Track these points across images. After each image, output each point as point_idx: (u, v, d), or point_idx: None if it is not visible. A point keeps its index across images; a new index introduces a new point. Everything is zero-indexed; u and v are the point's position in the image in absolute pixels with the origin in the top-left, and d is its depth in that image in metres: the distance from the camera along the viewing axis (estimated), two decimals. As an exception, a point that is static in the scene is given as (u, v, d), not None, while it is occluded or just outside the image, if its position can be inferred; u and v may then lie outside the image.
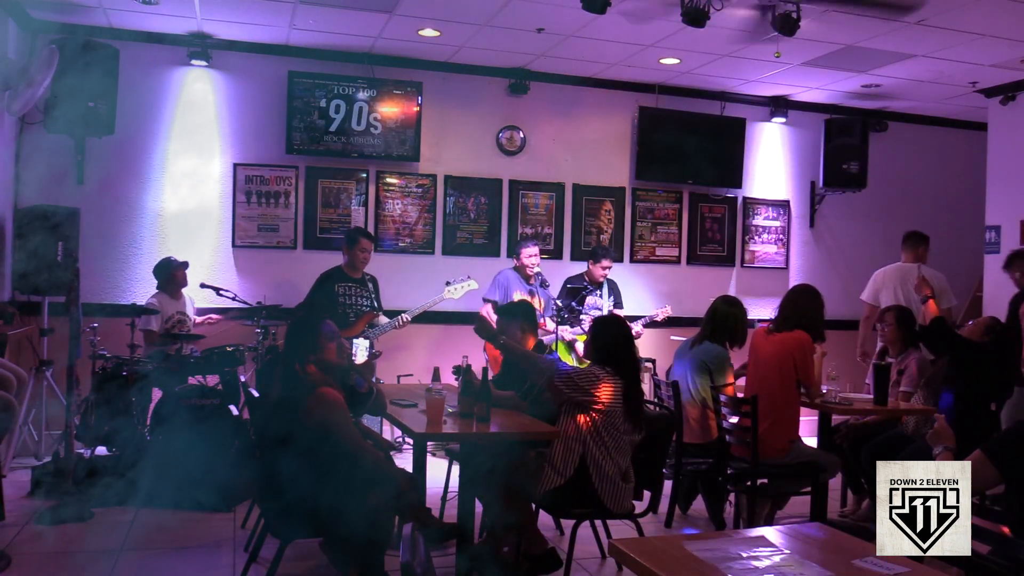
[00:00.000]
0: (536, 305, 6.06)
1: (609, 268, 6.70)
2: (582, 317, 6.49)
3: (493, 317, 6.33)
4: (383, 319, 6.10)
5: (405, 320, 6.15)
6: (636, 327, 6.62)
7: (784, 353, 4.67)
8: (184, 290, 6.16)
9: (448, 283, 6.22)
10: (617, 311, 6.66)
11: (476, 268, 6.87)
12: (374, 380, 4.24)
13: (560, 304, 6.29)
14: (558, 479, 3.84)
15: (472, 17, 5.98)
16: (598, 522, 4.43)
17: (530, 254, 6.42)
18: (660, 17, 5.71)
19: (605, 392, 3.77)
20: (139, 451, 5.23)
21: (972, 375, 4.82)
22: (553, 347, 5.74)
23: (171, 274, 6.02)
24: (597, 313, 6.57)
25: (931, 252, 6.75)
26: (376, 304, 6.06)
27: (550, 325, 6.16)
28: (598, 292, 6.70)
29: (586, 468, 3.80)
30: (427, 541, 3.82)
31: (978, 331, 5.00)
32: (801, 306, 4.81)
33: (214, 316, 6.30)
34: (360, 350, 5.38)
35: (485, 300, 6.48)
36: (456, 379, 4.45)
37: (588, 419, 3.80)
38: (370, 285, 6.10)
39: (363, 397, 3.99)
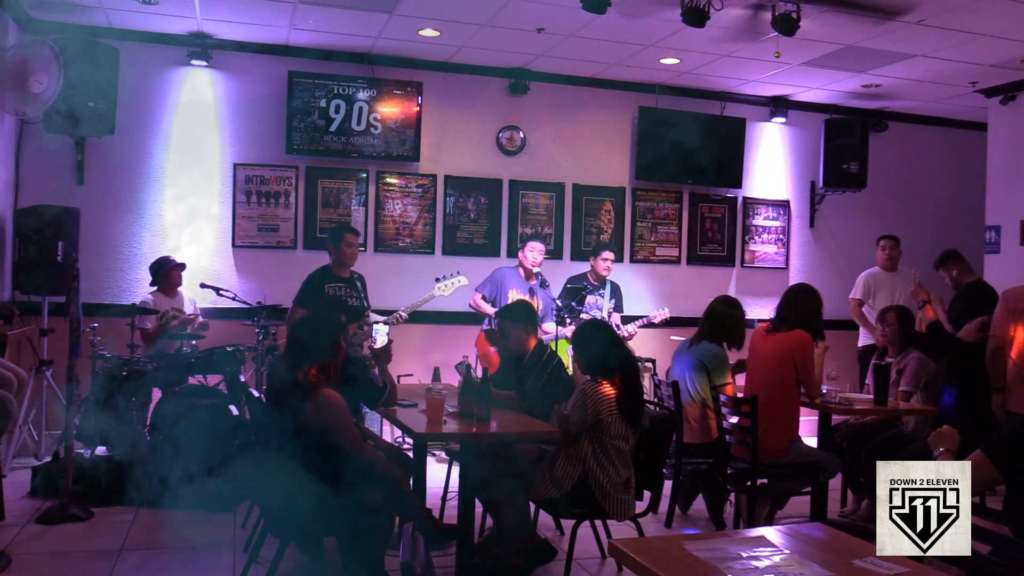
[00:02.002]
0: (534, 305, 6.05)
1: (610, 260, 6.65)
2: (583, 317, 6.49)
3: (483, 307, 6.34)
4: (374, 317, 6.08)
5: (402, 318, 6.14)
6: (632, 328, 6.62)
7: (784, 353, 4.67)
8: (184, 289, 6.16)
9: (438, 279, 6.18)
10: (616, 314, 6.65)
11: (476, 268, 6.87)
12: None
13: (560, 304, 6.28)
14: (555, 491, 3.83)
15: (472, 17, 5.98)
16: (598, 522, 4.43)
17: (531, 249, 6.41)
18: (660, 17, 5.71)
19: (602, 406, 3.74)
20: (139, 451, 5.22)
21: (970, 376, 4.83)
22: (553, 346, 5.74)
23: (166, 274, 6.01)
24: (597, 313, 6.57)
25: (932, 253, 6.77)
26: (366, 303, 6.04)
27: (549, 327, 6.15)
28: (600, 292, 6.68)
29: (586, 484, 3.79)
30: (427, 541, 3.83)
31: (972, 331, 5.00)
32: (800, 306, 4.81)
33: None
34: (380, 334, 5.37)
35: (477, 291, 6.48)
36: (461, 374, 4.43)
37: (589, 438, 3.78)
38: (358, 284, 5.99)
39: (379, 391, 3.99)
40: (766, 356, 4.76)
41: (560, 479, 3.82)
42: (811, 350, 4.70)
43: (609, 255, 6.66)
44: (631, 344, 6.76)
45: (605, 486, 3.76)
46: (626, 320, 6.74)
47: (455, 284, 6.20)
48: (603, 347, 3.89)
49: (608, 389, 3.76)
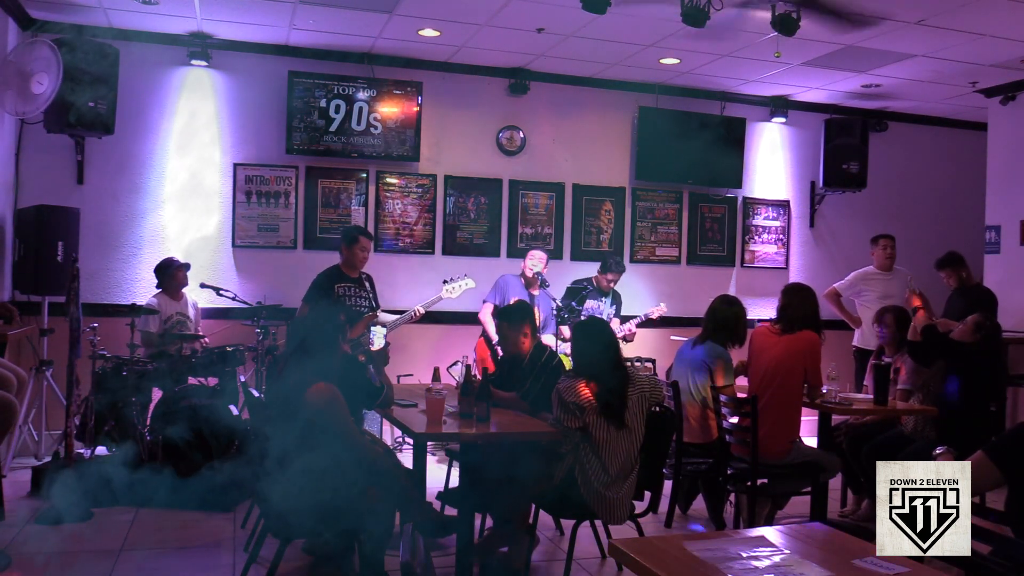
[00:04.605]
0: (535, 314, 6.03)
1: (614, 279, 6.67)
2: (583, 319, 6.48)
3: (489, 321, 6.31)
4: (385, 316, 6.09)
5: (419, 312, 6.14)
6: (630, 326, 6.63)
7: (795, 354, 4.66)
8: (186, 291, 6.16)
9: (445, 282, 6.20)
10: (615, 320, 6.64)
11: (476, 268, 6.87)
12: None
13: (560, 304, 6.28)
14: (546, 483, 3.86)
15: (472, 17, 5.98)
16: (598, 522, 4.42)
17: (531, 258, 6.40)
18: (660, 17, 5.71)
19: (581, 398, 3.75)
20: (139, 451, 5.23)
21: (968, 376, 4.82)
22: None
23: (171, 275, 6.02)
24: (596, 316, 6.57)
25: (932, 253, 6.79)
26: (374, 303, 6.05)
27: (548, 339, 6.13)
28: (601, 299, 6.66)
29: (574, 479, 3.80)
30: (427, 536, 3.84)
31: (968, 331, 5.01)
32: (806, 306, 4.81)
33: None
34: (377, 337, 5.39)
35: (485, 302, 6.48)
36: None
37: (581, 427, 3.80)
38: (367, 284, 6.03)
39: (376, 391, 4.00)
40: (775, 357, 4.72)
41: (552, 472, 3.83)
42: (819, 350, 4.71)
43: (614, 277, 6.65)
44: (631, 345, 6.80)
45: (592, 482, 3.75)
46: (624, 319, 6.75)
47: (462, 287, 6.21)
48: (593, 353, 3.92)
49: (583, 385, 3.78)
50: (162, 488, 4.86)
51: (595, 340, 3.97)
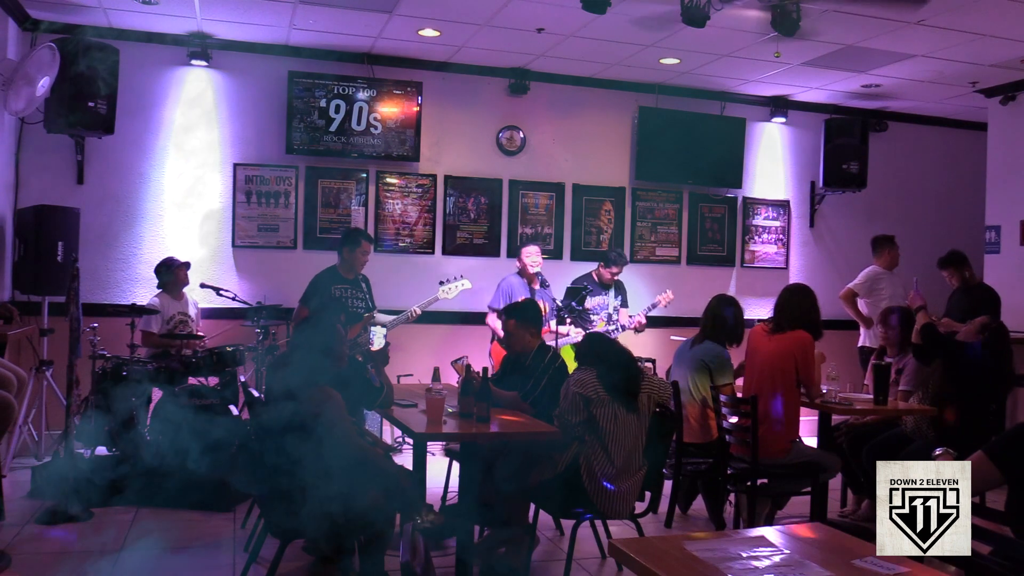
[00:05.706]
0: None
1: (618, 273, 6.71)
2: (593, 319, 6.51)
3: (497, 325, 6.30)
4: (381, 316, 6.09)
5: (416, 313, 6.13)
6: (640, 316, 6.64)
7: (786, 353, 4.67)
8: (187, 290, 6.15)
9: (442, 283, 6.20)
10: (624, 310, 6.68)
11: (476, 268, 6.88)
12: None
13: (561, 303, 6.29)
14: (550, 472, 3.87)
15: (472, 17, 5.98)
16: (598, 522, 4.43)
17: (528, 253, 6.41)
18: (660, 17, 5.71)
19: (588, 388, 3.77)
20: (139, 451, 5.22)
21: (968, 376, 4.81)
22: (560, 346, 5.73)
23: (172, 274, 6.02)
24: (603, 314, 6.59)
25: (932, 253, 6.79)
26: (371, 304, 6.05)
27: (561, 328, 6.15)
28: (603, 292, 6.68)
29: (578, 468, 3.80)
30: (427, 536, 3.83)
31: (973, 331, 5.00)
32: (800, 306, 4.81)
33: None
34: (377, 337, 5.38)
35: (490, 309, 6.45)
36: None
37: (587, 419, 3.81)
38: (363, 285, 6.02)
39: (376, 392, 4.00)
40: (767, 356, 4.76)
41: (554, 459, 3.84)
42: (812, 350, 4.71)
43: (618, 269, 6.68)
44: (631, 345, 6.81)
45: (596, 473, 3.76)
46: (631, 313, 6.76)
47: (458, 287, 6.21)
48: (607, 343, 3.95)
49: (588, 371, 3.81)
50: (162, 488, 4.86)
51: (600, 341, 4.02)
